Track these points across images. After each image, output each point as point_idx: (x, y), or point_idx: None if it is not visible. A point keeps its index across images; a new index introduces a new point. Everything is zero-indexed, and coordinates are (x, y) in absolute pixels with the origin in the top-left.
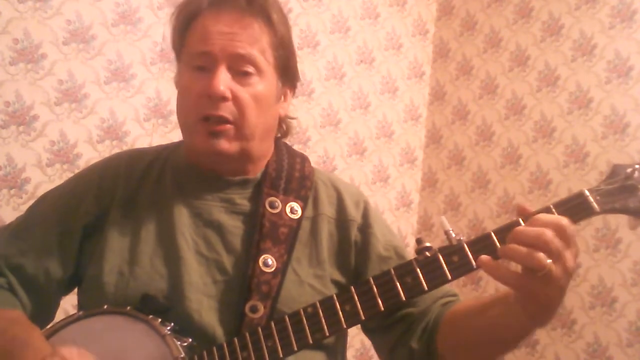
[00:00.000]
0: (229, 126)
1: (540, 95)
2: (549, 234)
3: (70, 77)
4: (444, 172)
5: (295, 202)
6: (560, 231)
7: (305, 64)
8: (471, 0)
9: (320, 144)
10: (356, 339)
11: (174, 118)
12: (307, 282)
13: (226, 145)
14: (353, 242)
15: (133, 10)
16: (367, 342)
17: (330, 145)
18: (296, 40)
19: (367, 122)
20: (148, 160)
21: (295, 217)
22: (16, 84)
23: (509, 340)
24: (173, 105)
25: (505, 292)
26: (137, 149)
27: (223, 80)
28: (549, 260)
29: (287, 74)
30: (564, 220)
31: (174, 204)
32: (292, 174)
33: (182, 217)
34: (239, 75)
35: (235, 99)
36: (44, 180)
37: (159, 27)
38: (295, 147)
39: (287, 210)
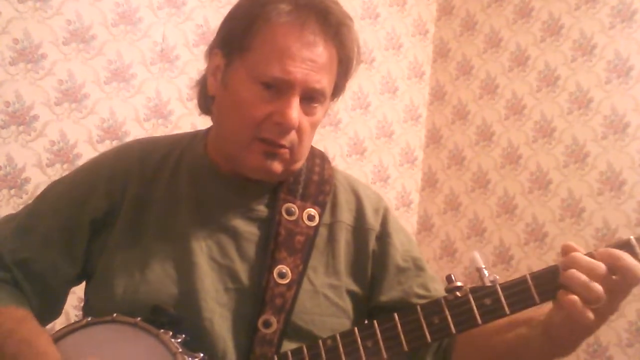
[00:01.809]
0: (285, 150)
1: (540, 95)
2: (603, 268)
3: (70, 77)
4: (444, 172)
5: (312, 208)
6: (636, 283)
7: None
8: (471, 0)
9: (320, 144)
10: None
11: (174, 118)
12: (322, 292)
13: (279, 167)
14: (371, 252)
15: (133, 10)
16: None
17: (330, 145)
18: None
19: (367, 122)
20: (162, 153)
21: (313, 224)
22: (16, 84)
23: None
24: (173, 105)
25: (528, 316)
26: (149, 139)
27: (297, 111)
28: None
29: (339, 91)
30: (636, 272)
31: (189, 204)
32: (310, 177)
33: (196, 220)
34: (306, 102)
35: (299, 129)
36: (44, 180)
37: (159, 27)
38: None
39: (305, 217)
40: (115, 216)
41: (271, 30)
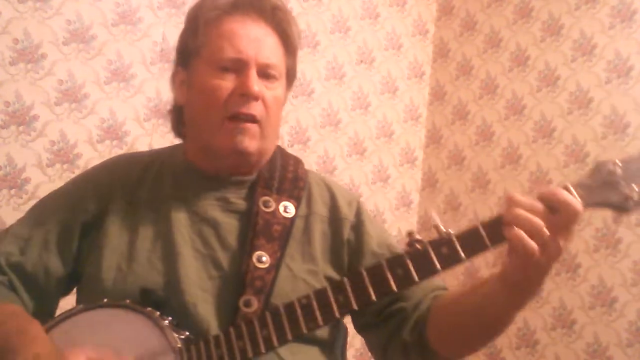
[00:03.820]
0: (255, 125)
1: (540, 95)
2: (539, 205)
3: (70, 77)
4: (444, 172)
5: (288, 201)
6: (574, 217)
7: (305, 64)
8: (471, 0)
9: (320, 144)
10: (356, 338)
11: None
12: (301, 277)
13: (249, 142)
14: (346, 241)
15: (133, 10)
16: None
17: (330, 145)
18: None
19: (367, 122)
20: (145, 162)
21: (289, 215)
22: (16, 84)
23: (492, 322)
24: None
25: (488, 277)
26: (133, 152)
27: (256, 81)
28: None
29: (291, 80)
30: (580, 208)
31: (171, 202)
32: (285, 175)
33: (179, 215)
34: (264, 78)
35: (263, 100)
36: (44, 180)
37: (159, 27)
38: (295, 147)
39: (281, 209)
40: (103, 218)
41: (216, 23)
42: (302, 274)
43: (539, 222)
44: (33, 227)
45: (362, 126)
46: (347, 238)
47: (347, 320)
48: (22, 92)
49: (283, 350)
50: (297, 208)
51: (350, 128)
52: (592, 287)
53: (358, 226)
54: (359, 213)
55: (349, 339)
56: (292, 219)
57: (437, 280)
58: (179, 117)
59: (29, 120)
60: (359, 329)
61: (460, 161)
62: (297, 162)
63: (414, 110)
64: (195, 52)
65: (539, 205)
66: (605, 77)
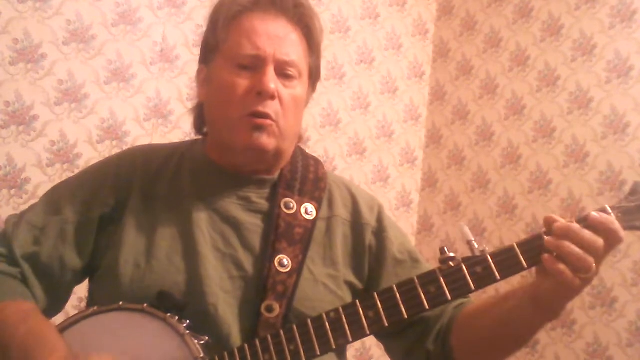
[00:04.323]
0: (271, 122)
1: (540, 95)
2: (601, 242)
3: (70, 77)
4: (444, 172)
5: (310, 203)
6: (616, 245)
7: None
8: (471, 0)
9: (320, 144)
10: None
11: (174, 118)
12: (322, 281)
13: (267, 140)
14: (367, 246)
15: (133, 10)
16: (368, 342)
17: (330, 145)
18: None
19: (367, 122)
20: (164, 155)
21: (310, 217)
22: (16, 84)
23: (518, 335)
24: (173, 105)
25: (514, 290)
26: (151, 145)
27: (273, 80)
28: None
29: (315, 80)
30: (621, 236)
31: (192, 199)
32: (306, 175)
33: (200, 213)
34: (282, 77)
35: (280, 99)
36: (44, 180)
37: (159, 27)
38: None
39: (302, 211)
40: (121, 211)
41: (237, 19)
42: (323, 277)
43: (590, 260)
44: (48, 216)
45: (362, 126)
46: (368, 244)
47: None
48: (22, 92)
49: None
50: (318, 210)
51: (350, 128)
52: (592, 287)
53: (379, 232)
54: (380, 218)
55: None
56: (314, 221)
57: None
58: (200, 114)
59: (29, 120)
60: (379, 336)
61: (460, 161)
62: (317, 162)
63: (414, 110)
64: (215, 48)
65: (598, 243)
66: (605, 77)
